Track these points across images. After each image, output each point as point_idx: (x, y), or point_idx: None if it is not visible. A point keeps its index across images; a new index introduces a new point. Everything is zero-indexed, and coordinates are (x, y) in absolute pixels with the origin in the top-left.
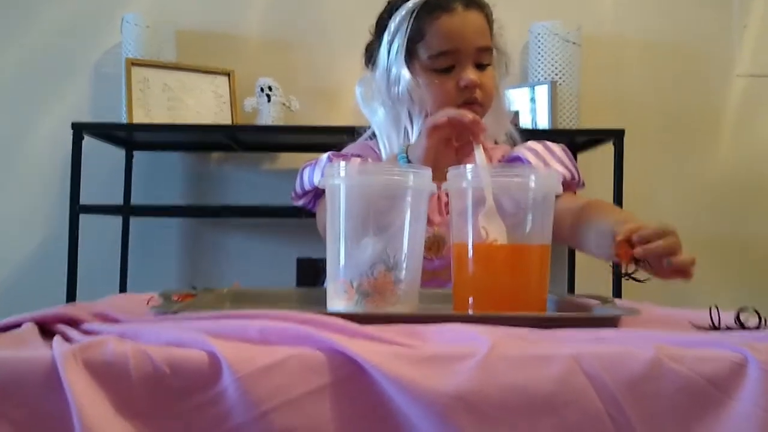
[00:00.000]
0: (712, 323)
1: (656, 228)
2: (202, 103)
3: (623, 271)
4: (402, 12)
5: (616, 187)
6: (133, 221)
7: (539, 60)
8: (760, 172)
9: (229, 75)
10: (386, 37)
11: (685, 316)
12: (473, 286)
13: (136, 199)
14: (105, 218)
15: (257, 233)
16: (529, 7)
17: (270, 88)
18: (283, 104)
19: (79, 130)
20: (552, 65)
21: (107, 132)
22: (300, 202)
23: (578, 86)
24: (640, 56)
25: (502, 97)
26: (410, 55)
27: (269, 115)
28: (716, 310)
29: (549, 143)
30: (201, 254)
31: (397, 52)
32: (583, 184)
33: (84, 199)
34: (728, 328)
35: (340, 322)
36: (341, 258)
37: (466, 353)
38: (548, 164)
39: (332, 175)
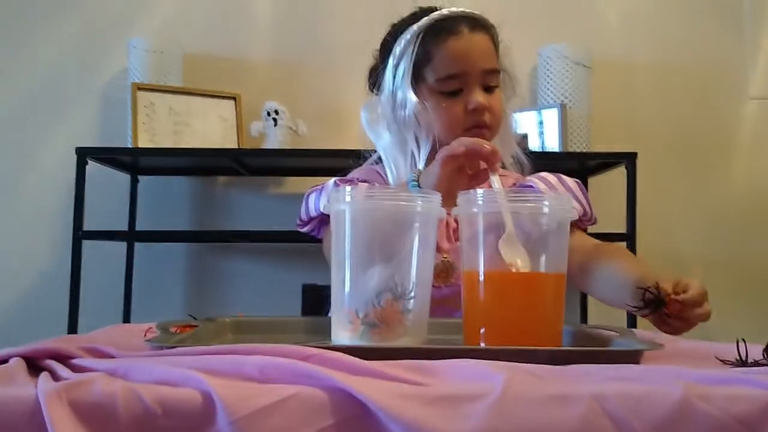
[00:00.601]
0: (739, 357)
1: (699, 294)
2: (208, 127)
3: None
4: (407, 35)
5: (629, 211)
6: (138, 247)
7: (549, 83)
8: None
9: (235, 99)
10: (391, 61)
11: (711, 349)
12: (485, 317)
13: (141, 225)
14: (110, 244)
15: (264, 259)
16: (538, 29)
17: (277, 112)
18: (290, 128)
19: (83, 155)
20: (562, 88)
21: (112, 157)
22: (305, 229)
23: (589, 109)
24: (651, 79)
25: (509, 119)
26: (416, 79)
27: (276, 139)
28: (743, 343)
29: (563, 175)
30: (206, 280)
31: (403, 75)
32: (595, 221)
33: (89, 225)
34: (756, 363)
35: (344, 357)
36: (346, 286)
37: (478, 393)
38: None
39: (337, 200)
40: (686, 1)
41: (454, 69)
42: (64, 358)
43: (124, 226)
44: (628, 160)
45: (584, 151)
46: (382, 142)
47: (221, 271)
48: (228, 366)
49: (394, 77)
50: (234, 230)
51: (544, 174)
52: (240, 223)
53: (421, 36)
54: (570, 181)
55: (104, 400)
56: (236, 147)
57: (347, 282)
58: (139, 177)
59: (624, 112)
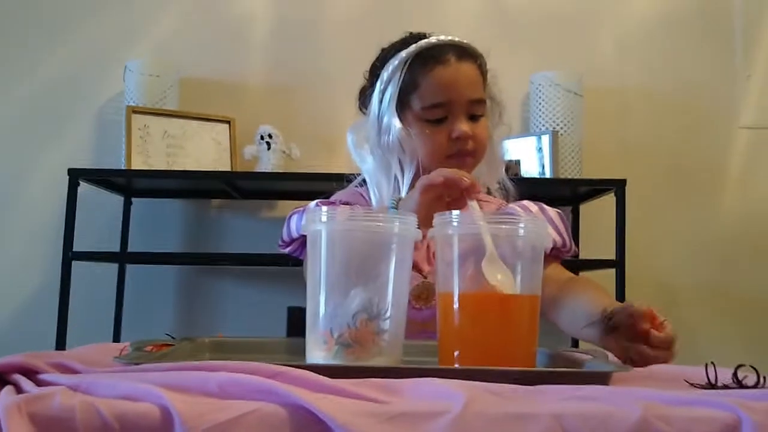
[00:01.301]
0: (709, 381)
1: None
2: (202, 150)
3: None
4: (395, 61)
5: (618, 237)
6: (130, 269)
7: (540, 110)
8: (765, 224)
9: (229, 123)
10: (379, 86)
11: (682, 373)
12: (459, 338)
13: (134, 247)
14: (102, 266)
15: (255, 282)
16: (530, 57)
17: (270, 136)
18: (283, 152)
19: (75, 175)
20: (553, 115)
21: (104, 178)
22: (287, 250)
23: (580, 136)
24: (642, 106)
25: (496, 146)
26: (402, 105)
27: (269, 163)
28: (713, 366)
29: (545, 205)
30: (197, 302)
31: (389, 101)
32: (575, 253)
33: (83, 246)
34: (725, 386)
35: (311, 375)
36: (321, 306)
37: (438, 410)
38: None
39: (314, 220)
40: (677, 30)
41: (439, 98)
42: (31, 373)
43: (117, 248)
44: (618, 187)
45: (576, 177)
46: (367, 165)
47: (212, 293)
48: (191, 382)
49: (381, 102)
50: (224, 252)
51: (526, 202)
52: (233, 246)
53: (408, 63)
54: (551, 211)
55: (63, 413)
56: (229, 170)
57: (322, 302)
58: (133, 199)
59: (615, 139)
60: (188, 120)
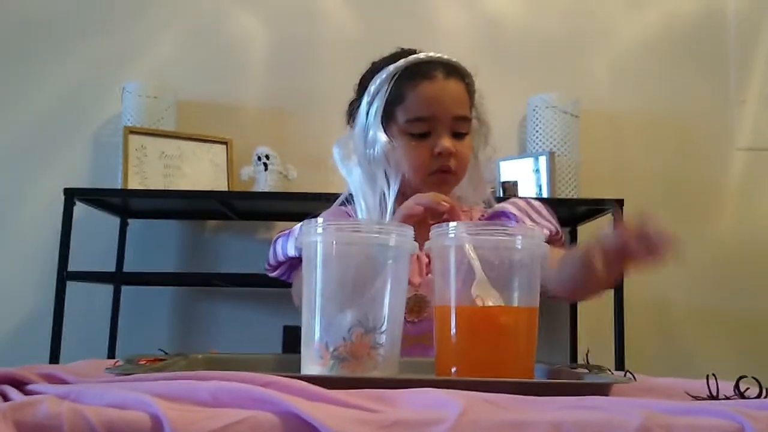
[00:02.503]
0: (710, 393)
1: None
2: (199, 171)
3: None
4: (383, 75)
5: None
6: (126, 290)
7: (537, 132)
8: (762, 246)
9: (226, 144)
10: (366, 99)
11: (683, 385)
12: (456, 352)
13: (130, 268)
14: (98, 287)
15: (251, 302)
16: (528, 79)
17: (267, 157)
18: (280, 173)
19: (71, 195)
20: (550, 137)
21: (100, 198)
22: (274, 274)
23: (577, 157)
24: (638, 129)
25: (481, 166)
26: (388, 118)
27: (266, 184)
28: (714, 378)
29: (531, 200)
30: (193, 323)
31: (375, 114)
32: (564, 241)
33: (79, 268)
34: (726, 398)
35: (303, 384)
36: (316, 320)
37: (433, 419)
38: (533, 219)
39: (309, 232)
40: (672, 53)
41: (424, 112)
42: (20, 384)
43: (113, 269)
44: (615, 206)
45: (573, 197)
46: (353, 177)
47: (207, 314)
48: (182, 391)
49: (367, 115)
50: (219, 272)
51: (513, 200)
52: (229, 267)
53: (396, 77)
54: (538, 204)
55: (50, 421)
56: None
57: (317, 315)
58: (129, 220)
59: (612, 160)
60: (185, 141)
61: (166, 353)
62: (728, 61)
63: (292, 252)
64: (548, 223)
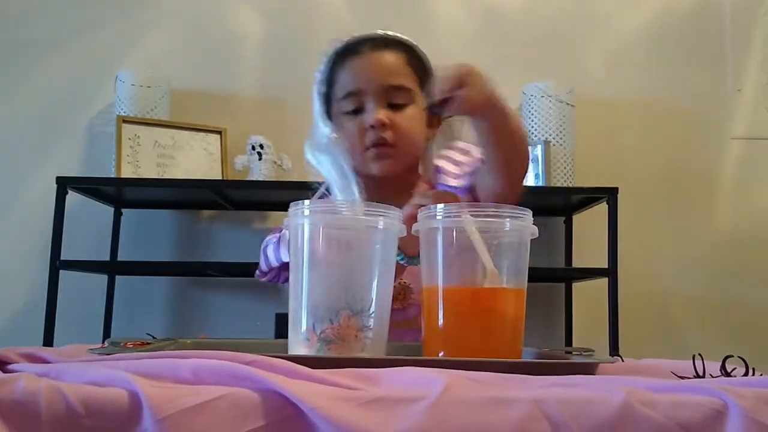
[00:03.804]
0: (696, 372)
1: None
2: (193, 160)
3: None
4: (323, 60)
5: (611, 246)
6: (120, 280)
7: (533, 120)
8: (757, 234)
9: (221, 133)
10: (314, 87)
11: (669, 366)
12: (443, 334)
13: (124, 258)
14: (92, 276)
15: (246, 292)
16: (523, 68)
17: (261, 146)
18: (275, 162)
19: (64, 184)
20: (546, 125)
21: (94, 187)
22: (265, 278)
23: (572, 146)
24: (634, 117)
25: (449, 135)
26: (329, 103)
27: (260, 173)
28: (701, 359)
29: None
30: (187, 312)
31: (316, 101)
32: None
33: (72, 257)
34: (712, 378)
35: (288, 364)
36: (303, 302)
37: (415, 396)
38: (457, 162)
39: (296, 215)
40: (668, 42)
41: (351, 87)
42: (1, 364)
43: (107, 259)
44: (610, 195)
45: (569, 186)
46: (324, 167)
47: (202, 304)
48: (163, 369)
49: (315, 102)
50: (214, 262)
51: (445, 153)
52: (223, 256)
53: (332, 60)
54: (462, 144)
55: (27, 398)
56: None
57: (305, 298)
58: (123, 210)
59: (607, 149)
60: (179, 130)
61: (153, 337)
62: (725, 50)
63: (286, 258)
64: (476, 155)
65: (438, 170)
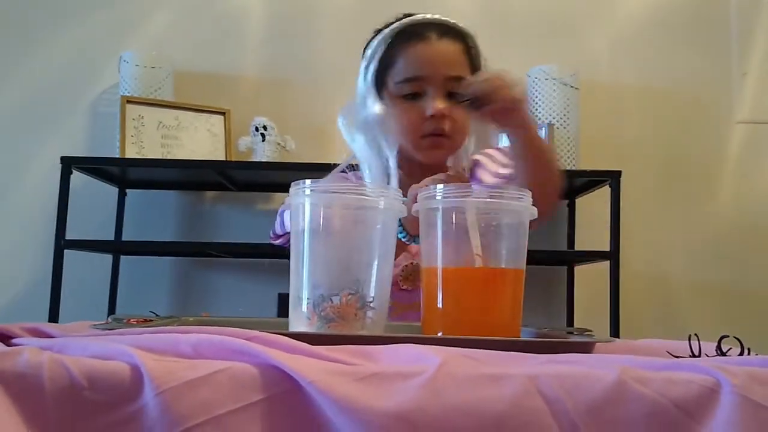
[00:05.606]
0: (692, 352)
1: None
2: (197, 141)
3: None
4: (378, 38)
5: (613, 229)
6: (124, 261)
7: (537, 103)
8: (760, 218)
9: (224, 114)
10: (363, 64)
11: (665, 345)
12: (442, 313)
13: (128, 238)
14: (97, 256)
15: (249, 273)
16: (528, 51)
17: (265, 128)
18: (278, 144)
19: (68, 163)
20: (550, 108)
21: (98, 167)
22: (278, 242)
23: (576, 129)
24: (638, 101)
25: (489, 130)
26: (383, 83)
27: (264, 155)
28: (696, 339)
29: (500, 147)
30: (191, 293)
31: (370, 78)
32: None
33: (77, 237)
34: (708, 357)
35: (285, 339)
36: (304, 281)
37: (411, 372)
38: (497, 161)
39: (297, 194)
40: (673, 25)
41: (413, 72)
42: (5, 339)
43: (111, 239)
44: (613, 178)
45: (572, 169)
46: (357, 144)
47: (206, 284)
48: (164, 344)
49: (365, 79)
50: (218, 242)
51: (487, 150)
52: (227, 237)
53: (391, 40)
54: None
55: (30, 371)
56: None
57: (305, 277)
58: (128, 191)
59: (611, 132)
60: (183, 111)
61: (156, 315)
62: (730, 34)
63: None
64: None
65: (477, 164)
